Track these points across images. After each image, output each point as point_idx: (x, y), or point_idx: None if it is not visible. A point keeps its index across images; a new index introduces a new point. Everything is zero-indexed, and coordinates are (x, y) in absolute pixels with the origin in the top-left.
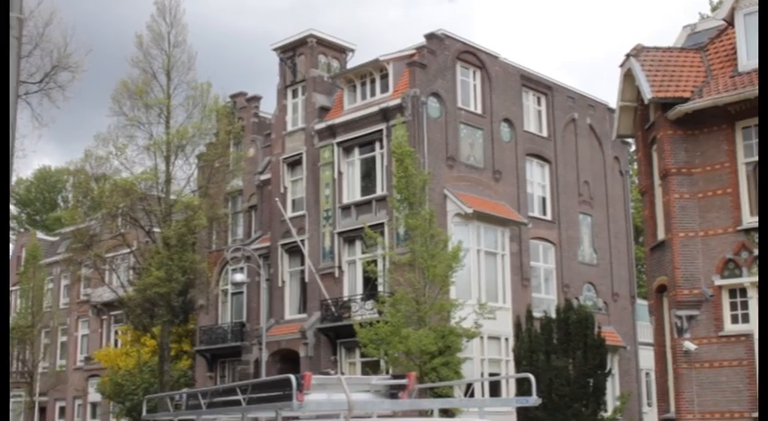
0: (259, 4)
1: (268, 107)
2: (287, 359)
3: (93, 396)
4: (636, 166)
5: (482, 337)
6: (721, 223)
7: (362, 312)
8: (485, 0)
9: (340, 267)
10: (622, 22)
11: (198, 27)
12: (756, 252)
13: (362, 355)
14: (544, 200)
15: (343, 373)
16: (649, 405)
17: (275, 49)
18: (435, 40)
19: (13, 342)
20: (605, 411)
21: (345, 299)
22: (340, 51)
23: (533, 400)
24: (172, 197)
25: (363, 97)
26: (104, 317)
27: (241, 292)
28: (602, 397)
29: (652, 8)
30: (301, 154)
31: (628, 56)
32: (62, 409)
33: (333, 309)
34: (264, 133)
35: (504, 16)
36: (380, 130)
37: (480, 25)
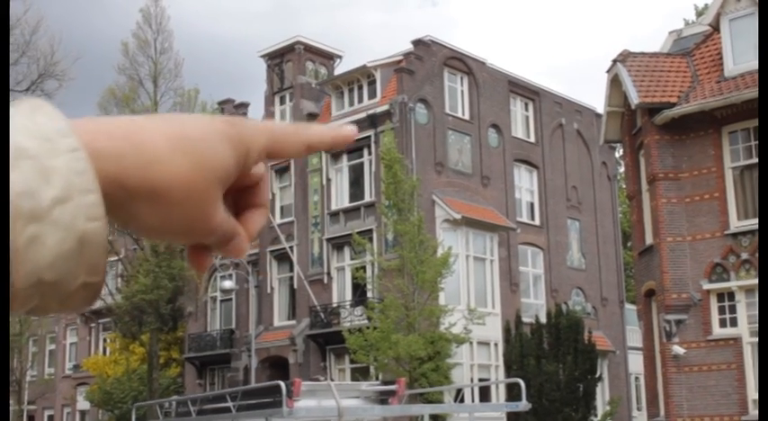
0: (237, 8)
1: (256, 114)
2: (276, 366)
3: (82, 404)
4: (623, 171)
5: (471, 343)
6: (709, 228)
7: (352, 318)
8: (467, 4)
9: (329, 274)
10: (605, 28)
11: (177, 32)
12: (744, 256)
13: (352, 362)
14: (532, 205)
15: (332, 380)
16: (639, 409)
17: (262, 56)
18: (422, 46)
19: None
20: (595, 416)
21: (334, 305)
22: (327, 58)
23: (523, 405)
24: None
25: (351, 103)
26: (93, 324)
27: (230, 299)
28: (592, 401)
29: (634, 13)
30: (289, 160)
31: (614, 61)
32: (51, 418)
33: (322, 315)
34: None
35: (487, 20)
36: (368, 137)
37: (463, 29)
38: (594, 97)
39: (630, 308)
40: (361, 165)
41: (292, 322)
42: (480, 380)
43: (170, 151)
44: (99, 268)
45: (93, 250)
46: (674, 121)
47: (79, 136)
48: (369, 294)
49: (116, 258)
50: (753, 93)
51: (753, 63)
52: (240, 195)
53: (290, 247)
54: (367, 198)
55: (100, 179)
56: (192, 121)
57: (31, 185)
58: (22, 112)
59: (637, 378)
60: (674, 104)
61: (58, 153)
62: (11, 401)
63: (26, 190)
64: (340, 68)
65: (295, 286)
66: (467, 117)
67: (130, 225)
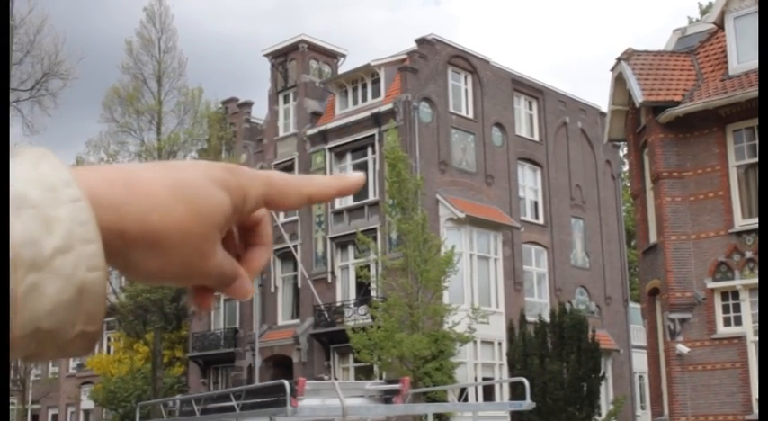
0: (241, 7)
1: (259, 113)
2: (280, 365)
3: (86, 403)
4: (627, 170)
5: (475, 342)
6: (713, 226)
7: (355, 317)
8: (470, 2)
9: (333, 272)
10: (609, 26)
11: (181, 31)
12: (748, 254)
13: (356, 361)
14: (536, 204)
15: (336, 379)
16: (643, 408)
17: (266, 55)
18: (426, 44)
19: None
20: (599, 415)
21: (338, 304)
22: (331, 56)
23: (527, 404)
24: None
25: (355, 102)
26: None
27: (234, 298)
28: (595, 400)
29: (639, 12)
30: (293, 159)
31: (619, 60)
32: (55, 417)
33: (326, 314)
34: (256, 139)
35: (490, 19)
36: (372, 135)
37: (466, 28)
38: (598, 96)
39: (634, 306)
40: (365, 163)
41: (296, 321)
42: (484, 379)
43: (168, 199)
44: (97, 317)
45: (92, 300)
46: (679, 120)
47: (80, 184)
48: (372, 293)
49: None
50: (757, 91)
51: (757, 61)
52: (243, 234)
53: (294, 246)
54: (371, 197)
55: (99, 227)
56: (190, 169)
57: (32, 234)
58: (26, 161)
59: (641, 377)
60: (678, 103)
61: (60, 203)
62: (15, 400)
63: (28, 239)
64: (344, 67)
65: (299, 285)
66: (471, 116)
67: (129, 271)
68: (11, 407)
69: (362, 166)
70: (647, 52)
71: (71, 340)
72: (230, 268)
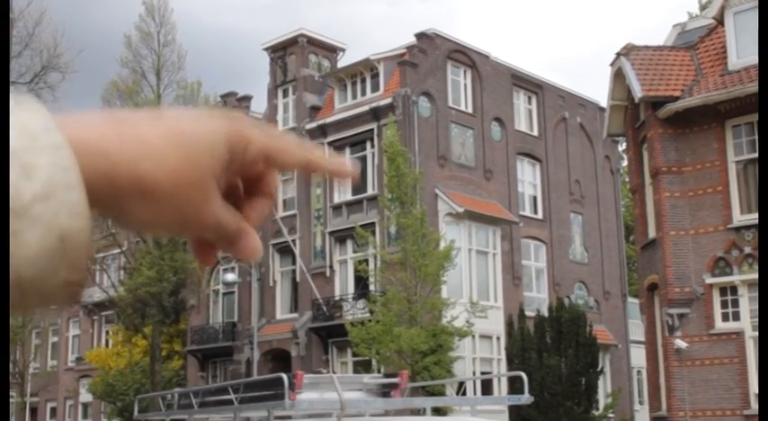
0: (241, 1)
1: (258, 106)
2: (278, 359)
3: (85, 396)
4: (626, 165)
5: (474, 336)
6: (712, 221)
7: (354, 311)
8: None
9: (331, 267)
10: (609, 21)
11: (180, 24)
12: (747, 250)
13: (354, 355)
14: (535, 199)
15: (334, 373)
16: (641, 403)
17: (266, 49)
18: (426, 39)
19: None
20: (597, 409)
21: (337, 298)
22: (331, 50)
23: (525, 399)
24: None
25: (354, 96)
26: (95, 317)
27: (232, 292)
28: (593, 395)
29: (638, 7)
30: None
31: (618, 55)
32: (53, 410)
33: (324, 308)
34: None
35: (490, 13)
36: (371, 130)
37: (466, 22)
38: (598, 91)
39: (633, 301)
40: (364, 157)
41: (295, 315)
42: (482, 373)
43: (161, 146)
44: (81, 265)
45: (74, 247)
46: (678, 115)
47: (68, 131)
48: (371, 287)
49: (119, 251)
50: (756, 86)
51: (757, 57)
52: (248, 185)
53: (293, 240)
54: (370, 191)
55: (88, 175)
56: (188, 116)
57: (11, 181)
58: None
59: (639, 372)
60: (677, 98)
61: (41, 150)
62: (13, 393)
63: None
64: (343, 61)
65: (297, 279)
66: (470, 110)
67: (121, 220)
68: (10, 400)
69: (361, 161)
70: (646, 47)
71: (55, 290)
72: (232, 221)
